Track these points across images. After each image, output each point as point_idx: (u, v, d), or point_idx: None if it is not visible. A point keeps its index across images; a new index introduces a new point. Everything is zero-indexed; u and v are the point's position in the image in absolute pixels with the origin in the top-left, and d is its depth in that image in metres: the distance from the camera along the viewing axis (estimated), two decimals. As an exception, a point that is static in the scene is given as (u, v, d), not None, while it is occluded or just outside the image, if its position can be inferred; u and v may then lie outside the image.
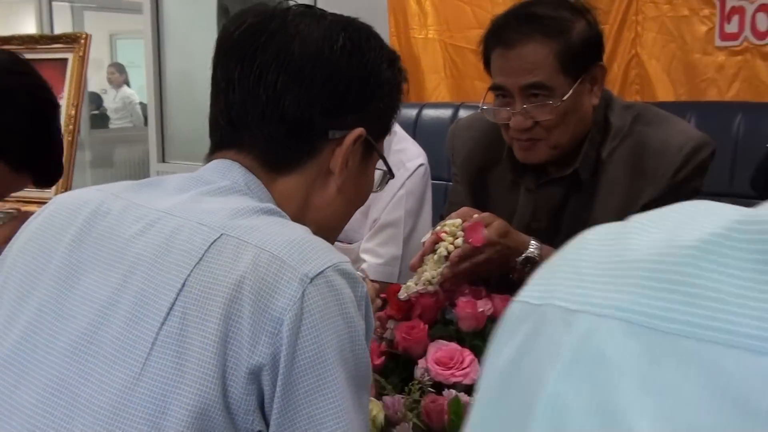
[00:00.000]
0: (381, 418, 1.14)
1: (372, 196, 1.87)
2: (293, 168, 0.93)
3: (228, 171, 0.91)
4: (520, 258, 1.41)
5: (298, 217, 0.91)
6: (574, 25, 1.45)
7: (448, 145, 1.75)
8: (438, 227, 1.39)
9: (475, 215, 1.41)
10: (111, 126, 7.10)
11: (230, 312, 0.76)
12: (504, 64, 1.45)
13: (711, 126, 2.10)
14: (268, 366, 0.75)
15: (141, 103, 6.84)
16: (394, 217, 1.85)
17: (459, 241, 1.35)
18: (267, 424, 0.78)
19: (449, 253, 1.34)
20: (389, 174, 1.07)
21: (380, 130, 0.99)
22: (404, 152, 1.89)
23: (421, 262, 1.36)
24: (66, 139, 3.30)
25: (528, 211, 1.57)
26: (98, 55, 7.51)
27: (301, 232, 0.84)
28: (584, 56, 1.45)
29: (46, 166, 1.48)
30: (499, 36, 1.46)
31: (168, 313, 0.77)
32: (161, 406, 0.75)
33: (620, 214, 1.63)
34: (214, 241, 0.79)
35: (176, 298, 0.77)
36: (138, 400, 0.75)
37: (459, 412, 1.14)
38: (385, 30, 3.98)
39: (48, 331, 0.82)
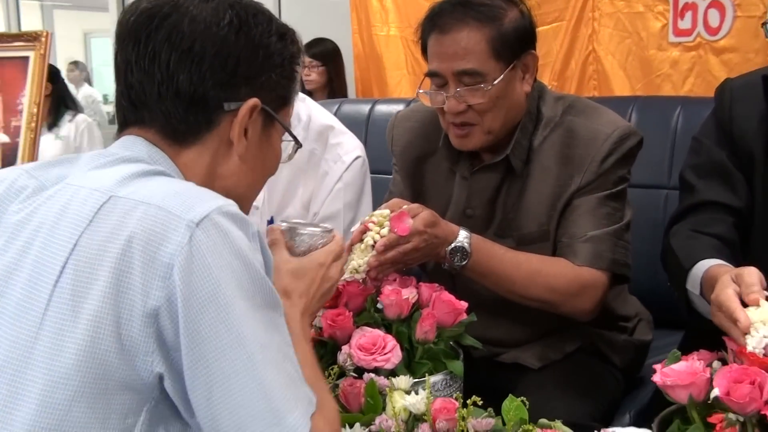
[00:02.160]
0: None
1: (312, 189, 1.94)
2: (194, 140, 0.97)
3: (132, 144, 0.96)
4: (449, 247, 1.44)
5: (206, 186, 0.95)
6: (506, 14, 1.49)
7: (388, 135, 1.78)
8: (366, 217, 1.42)
9: (404, 206, 1.43)
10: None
11: (121, 265, 0.82)
12: (439, 49, 1.49)
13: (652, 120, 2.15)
14: (164, 308, 0.82)
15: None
16: (333, 210, 1.87)
17: (385, 230, 1.38)
18: (174, 366, 0.83)
19: (375, 242, 1.37)
20: (296, 143, 1.11)
21: (278, 101, 1.03)
22: (341, 146, 1.91)
23: (348, 251, 1.38)
24: (28, 137, 3.30)
25: (463, 198, 1.60)
26: (74, 54, 7.49)
27: (187, 184, 0.91)
28: (516, 44, 1.48)
29: None
30: (435, 22, 1.50)
31: (61, 272, 0.83)
32: (57, 352, 0.81)
33: (551, 201, 1.69)
34: (104, 203, 0.86)
35: (68, 258, 0.83)
36: (39, 353, 0.82)
37: (375, 395, 1.17)
38: (347, 28, 4.01)
39: None
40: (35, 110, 2.80)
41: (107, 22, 5.16)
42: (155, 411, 0.86)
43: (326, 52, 3.99)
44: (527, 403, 1.13)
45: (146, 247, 0.83)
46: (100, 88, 8.21)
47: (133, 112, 0.98)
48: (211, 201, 0.87)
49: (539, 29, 1.59)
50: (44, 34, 2.66)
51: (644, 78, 3.30)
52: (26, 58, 2.80)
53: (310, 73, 4.07)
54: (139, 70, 0.95)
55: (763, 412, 0.95)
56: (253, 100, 0.98)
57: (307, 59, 4.11)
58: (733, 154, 1.43)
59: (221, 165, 0.99)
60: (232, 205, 0.88)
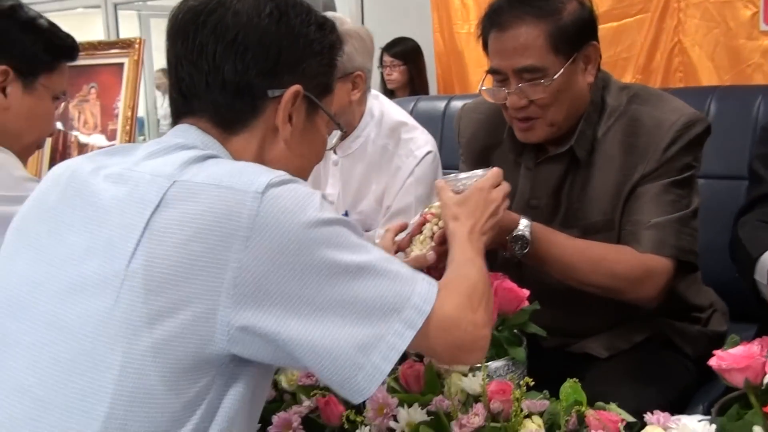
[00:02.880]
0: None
1: (385, 184, 1.99)
2: (242, 127, 1.03)
3: (185, 132, 1.03)
4: (510, 236, 1.46)
5: None
6: (565, 7, 1.50)
7: (455, 126, 1.81)
8: (426, 209, 1.45)
9: None
10: (160, 131, 7.37)
11: (195, 245, 0.88)
12: (499, 46, 1.51)
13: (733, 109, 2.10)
14: (245, 278, 0.88)
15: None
16: (405, 204, 1.92)
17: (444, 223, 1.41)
18: (265, 331, 0.89)
19: (434, 233, 1.40)
20: (340, 130, 1.17)
21: (320, 88, 1.07)
22: (413, 141, 1.97)
23: (409, 242, 1.42)
24: (123, 140, 3.49)
25: (527, 189, 1.62)
26: (164, 62, 7.81)
27: (241, 163, 0.97)
28: (576, 37, 1.49)
29: (65, 44, 1.62)
30: (494, 19, 1.53)
31: (133, 253, 0.89)
32: (133, 330, 0.88)
33: (616, 190, 1.70)
34: (169, 187, 0.92)
35: (140, 240, 0.89)
36: (114, 329, 0.88)
37: (433, 377, 1.21)
38: (429, 26, 4.05)
39: (41, 272, 0.96)
40: (129, 114, 2.96)
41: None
42: (226, 371, 0.92)
43: (407, 51, 4.05)
44: (592, 390, 1.14)
45: (219, 225, 0.88)
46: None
47: (184, 103, 1.05)
48: (267, 172, 0.93)
49: (623, 22, 1.60)
50: (138, 41, 2.82)
51: (733, 69, 3.21)
52: (121, 65, 2.97)
53: (392, 72, 4.14)
54: (188, 63, 1.01)
55: (818, 396, 0.94)
56: (296, 87, 1.03)
57: (388, 58, 4.19)
58: (804, 142, 1.40)
59: (269, 150, 1.04)
60: (285, 174, 0.95)
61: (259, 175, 0.93)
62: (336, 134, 1.18)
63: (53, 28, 1.60)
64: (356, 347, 0.92)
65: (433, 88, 4.15)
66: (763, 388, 1.03)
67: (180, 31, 1.03)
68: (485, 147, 1.72)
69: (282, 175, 0.94)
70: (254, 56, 1.00)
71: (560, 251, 1.49)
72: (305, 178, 1.13)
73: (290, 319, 0.90)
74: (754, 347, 1.06)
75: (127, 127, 3.55)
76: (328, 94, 1.10)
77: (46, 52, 1.56)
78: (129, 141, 3.79)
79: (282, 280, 0.89)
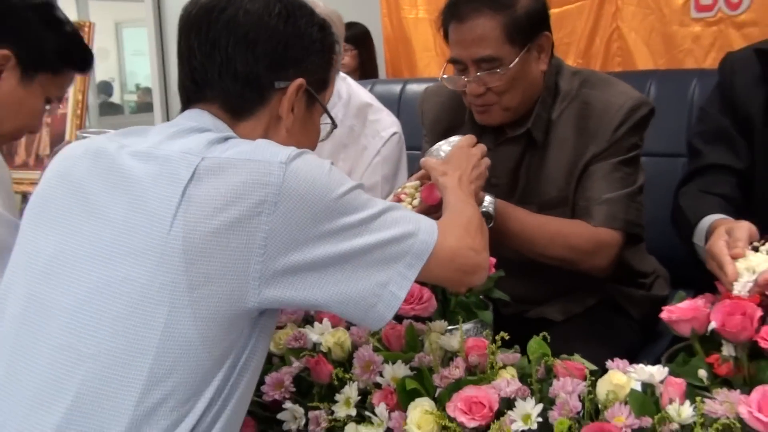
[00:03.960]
0: (348, 343, 1.32)
1: (352, 163, 2.09)
2: (250, 114, 1.13)
3: (198, 117, 1.12)
4: None
5: None
6: (519, 0, 1.61)
7: (418, 109, 1.92)
8: (399, 189, 1.56)
9: None
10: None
11: (230, 213, 0.97)
12: (458, 37, 1.63)
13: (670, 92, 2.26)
14: (275, 240, 0.98)
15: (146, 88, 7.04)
16: (371, 182, 2.03)
17: (416, 201, 1.52)
18: (290, 285, 1.01)
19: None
20: (333, 124, 1.28)
21: (319, 83, 1.18)
22: (379, 122, 2.07)
23: None
24: (74, 123, 3.48)
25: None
26: (104, 44, 7.69)
27: (261, 140, 1.07)
28: (529, 28, 1.61)
29: (79, 55, 1.62)
30: (453, 11, 1.64)
31: (172, 222, 0.98)
32: (173, 292, 0.97)
33: (569, 169, 1.85)
34: (199, 162, 1.01)
35: (177, 210, 0.98)
36: (156, 291, 0.97)
37: (413, 337, 1.32)
38: (377, 11, 4.14)
39: (77, 243, 1.04)
40: (80, 97, 2.97)
41: (140, 12, 5.32)
42: (252, 326, 1.03)
43: (358, 36, 4.13)
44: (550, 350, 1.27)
45: (248, 193, 0.98)
46: (131, 78, 8.38)
47: (195, 90, 1.14)
48: (286, 147, 1.04)
49: (564, 8, 1.72)
50: (87, 24, 2.83)
51: (667, 53, 3.39)
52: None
53: (343, 56, 4.21)
54: (202, 54, 1.11)
55: (754, 339, 1.09)
56: (300, 80, 1.13)
57: (339, 43, 4.26)
58: (735, 120, 1.57)
59: (272, 137, 1.13)
60: (296, 148, 1.05)
61: (279, 148, 1.03)
62: (327, 128, 1.28)
63: (75, 36, 1.60)
64: (375, 284, 1.05)
65: (381, 72, 4.25)
66: (707, 334, 1.18)
67: (193, 25, 1.12)
68: (448, 129, 1.82)
69: (296, 149, 1.04)
70: (264, 51, 1.10)
71: (521, 226, 1.62)
72: None
73: (314, 272, 1.02)
74: (699, 301, 1.21)
75: (78, 111, 3.55)
76: (325, 89, 1.21)
77: (57, 55, 1.55)
78: (79, 125, 3.79)
79: (307, 241, 1.00)
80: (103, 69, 7.19)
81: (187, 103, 1.15)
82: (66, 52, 1.57)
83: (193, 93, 1.14)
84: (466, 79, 1.63)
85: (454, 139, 1.49)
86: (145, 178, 1.03)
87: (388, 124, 2.09)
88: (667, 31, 3.38)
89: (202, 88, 1.13)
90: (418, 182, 1.55)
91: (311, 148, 1.23)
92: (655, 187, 1.93)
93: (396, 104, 2.71)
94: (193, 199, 0.99)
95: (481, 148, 1.45)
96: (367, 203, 1.07)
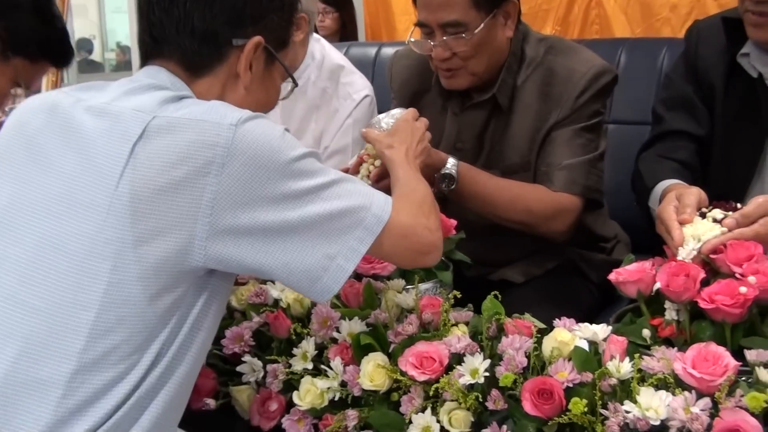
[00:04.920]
0: (307, 299, 1.35)
1: (324, 124, 2.11)
2: (207, 71, 1.14)
3: (156, 73, 1.13)
4: (438, 174, 1.61)
5: None
6: None
7: (387, 73, 1.93)
8: (362, 151, 1.58)
9: None
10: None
11: (177, 171, 0.99)
12: (425, 1, 1.63)
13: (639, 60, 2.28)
14: (223, 201, 0.99)
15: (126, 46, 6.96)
16: (342, 144, 2.05)
17: (379, 162, 1.53)
18: (237, 246, 1.02)
19: (370, 173, 1.53)
20: (294, 83, 1.28)
21: (279, 42, 1.18)
22: (351, 84, 2.08)
23: None
24: (50, 79, 3.45)
25: (454, 132, 1.77)
26: (83, 1, 7.58)
27: (214, 101, 1.08)
28: None
29: (59, 51, 1.63)
30: None
31: (119, 178, 1.00)
32: (120, 246, 0.99)
33: (532, 134, 1.88)
34: (150, 121, 1.02)
35: (125, 166, 1.00)
36: (102, 245, 0.99)
37: (371, 294, 1.36)
38: (358, -27, 4.12)
39: (29, 194, 1.05)
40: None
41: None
42: (198, 283, 1.05)
43: (339, -2, 4.11)
44: (510, 311, 1.30)
45: (197, 153, 0.99)
46: (112, 36, 8.28)
47: (154, 46, 1.14)
48: (238, 110, 1.05)
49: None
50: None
51: (644, 22, 3.40)
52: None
53: (324, 18, 4.19)
54: (160, 9, 1.11)
55: (695, 299, 1.13)
56: (258, 38, 1.14)
57: (320, 5, 4.23)
58: (698, 88, 1.59)
59: (229, 94, 1.15)
60: (250, 111, 1.06)
61: (231, 110, 1.04)
62: (289, 86, 1.28)
63: (62, 32, 1.61)
64: (323, 256, 1.06)
65: (361, 35, 4.24)
66: (652, 295, 1.21)
67: None
68: (416, 92, 1.84)
69: (249, 111, 1.05)
70: (222, 7, 1.11)
71: (482, 189, 1.64)
72: None
73: (262, 236, 1.02)
74: (647, 264, 1.25)
75: (53, 78, 3.53)
76: (284, 47, 1.21)
77: (39, 45, 1.55)
78: (56, 84, 3.76)
79: (255, 203, 1.01)
80: (82, 25, 7.08)
81: (145, 59, 1.16)
82: (48, 43, 1.58)
83: (151, 49, 1.15)
84: (432, 43, 1.64)
85: (396, 111, 1.49)
86: (96, 133, 1.04)
87: (360, 86, 2.10)
88: (645, 0, 3.39)
89: (159, 44, 1.13)
90: None
91: (271, 106, 1.24)
92: (623, 155, 1.95)
93: (371, 67, 2.71)
94: (141, 157, 1.00)
95: (424, 121, 1.46)
96: (321, 171, 1.07)
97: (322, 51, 2.14)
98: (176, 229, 0.99)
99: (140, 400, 1.01)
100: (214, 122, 1.01)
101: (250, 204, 1.01)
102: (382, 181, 1.53)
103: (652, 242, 1.68)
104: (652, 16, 3.38)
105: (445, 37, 1.62)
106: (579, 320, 1.60)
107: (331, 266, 1.06)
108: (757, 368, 1.02)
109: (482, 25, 1.61)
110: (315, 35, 2.18)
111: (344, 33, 4.12)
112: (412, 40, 1.71)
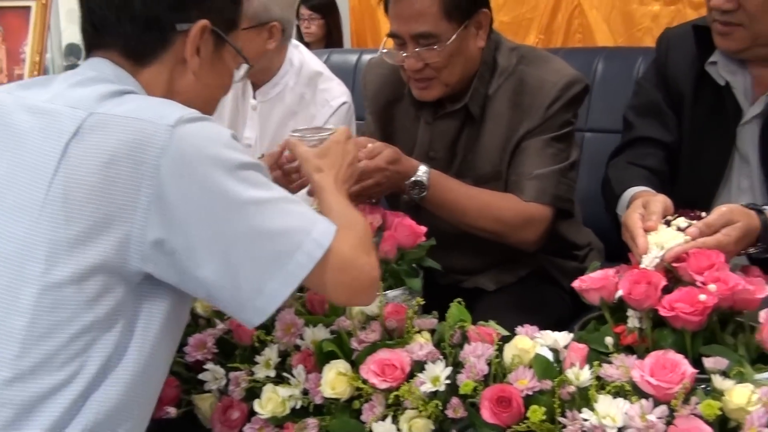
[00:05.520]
0: (272, 306, 1.34)
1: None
2: (152, 59, 1.10)
3: (99, 66, 1.09)
4: (409, 181, 1.60)
5: None
6: None
7: (362, 81, 1.93)
8: None
9: (369, 144, 1.59)
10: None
11: (110, 172, 0.96)
12: (396, 12, 1.63)
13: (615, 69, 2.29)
14: (156, 204, 0.96)
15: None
16: None
17: None
18: (171, 258, 0.98)
19: None
20: (247, 63, 1.24)
21: (227, 23, 1.15)
22: (329, 91, 2.08)
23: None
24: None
25: (426, 141, 1.76)
26: (74, 5, 7.57)
27: (154, 98, 1.05)
28: (467, 4, 1.62)
29: None
30: None
31: (53, 177, 0.97)
32: (53, 246, 0.96)
33: (503, 144, 1.88)
34: (86, 118, 0.99)
35: (58, 165, 0.97)
36: (37, 246, 0.97)
37: (337, 302, 1.35)
38: (343, -20, 4.13)
39: None
40: (37, 59, 2.92)
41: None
42: (139, 290, 1.01)
43: (324, 5, 4.11)
44: (482, 319, 1.29)
45: (131, 153, 0.96)
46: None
47: (95, 35, 1.10)
48: (179, 108, 1.02)
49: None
50: (57, -15, 2.78)
51: (626, 32, 3.43)
52: (28, 8, 2.90)
53: (310, 25, 4.19)
54: None
55: (656, 307, 1.12)
56: (203, 22, 1.10)
57: (306, 11, 4.24)
58: (668, 95, 1.60)
59: (178, 81, 1.11)
60: (197, 112, 1.03)
61: (172, 110, 1.01)
62: (243, 68, 1.24)
63: None
64: (258, 274, 1.00)
65: (347, 42, 4.24)
66: (614, 303, 1.21)
67: None
68: (389, 101, 1.83)
69: (194, 112, 1.02)
70: None
71: (452, 196, 1.64)
72: (213, 107, 1.21)
73: (196, 246, 0.98)
74: (610, 271, 1.24)
75: (35, 72, 3.49)
76: (234, 29, 1.17)
77: None
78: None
79: (190, 210, 0.97)
80: (72, 32, 7.06)
81: (89, 49, 1.13)
82: None
83: (92, 38, 1.11)
84: (404, 54, 1.64)
85: (325, 133, 1.41)
86: (32, 132, 1.02)
87: (338, 93, 2.09)
88: (627, 10, 3.42)
89: (100, 33, 1.10)
90: None
91: (224, 91, 1.21)
92: (600, 163, 1.95)
93: (352, 74, 2.71)
94: (74, 156, 0.97)
95: (357, 143, 1.40)
96: (264, 185, 1.03)
97: (300, 57, 2.14)
98: (111, 231, 0.97)
99: (85, 410, 0.98)
100: (150, 122, 0.98)
101: (186, 211, 0.97)
102: (354, 187, 1.52)
103: (626, 250, 1.69)
104: (634, 26, 3.41)
105: (417, 49, 1.61)
106: (550, 328, 1.60)
107: (265, 289, 1.00)
108: (713, 376, 1.02)
109: (454, 36, 1.60)
110: (294, 41, 2.18)
111: (330, 40, 4.13)
112: (385, 50, 1.70)
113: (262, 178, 1.04)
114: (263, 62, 2.01)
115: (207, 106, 1.17)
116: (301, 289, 1.34)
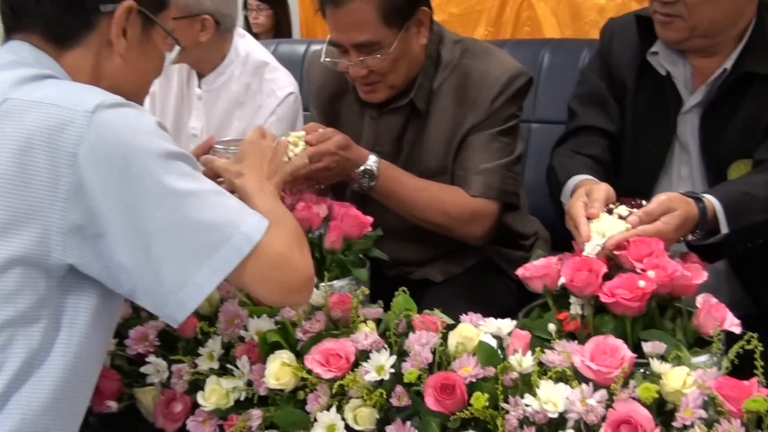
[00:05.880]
0: (216, 297, 1.32)
1: (248, 121, 2.07)
2: (76, 42, 1.05)
3: (18, 49, 1.05)
4: (359, 169, 1.59)
5: (93, 86, 1.04)
6: None
7: (305, 74, 1.91)
8: (283, 138, 1.55)
9: (320, 129, 1.58)
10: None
11: (26, 160, 0.92)
12: (335, 22, 1.60)
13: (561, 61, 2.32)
14: (75, 194, 0.92)
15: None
16: None
17: (299, 149, 1.52)
18: (92, 248, 0.95)
19: (290, 159, 1.51)
20: (178, 44, 1.20)
21: (156, 4, 1.11)
22: (275, 81, 2.06)
23: None
24: None
25: (372, 136, 1.75)
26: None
27: (74, 83, 1.01)
28: (405, 6, 1.59)
29: None
30: None
31: None
32: None
33: (448, 138, 1.88)
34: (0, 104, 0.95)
35: None
36: None
37: (281, 292, 1.33)
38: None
39: None
40: None
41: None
42: (63, 284, 0.97)
43: (273, -5, 4.07)
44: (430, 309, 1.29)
45: (48, 141, 0.92)
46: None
47: (13, 18, 1.06)
48: (99, 93, 0.98)
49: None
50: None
51: (573, 24, 3.47)
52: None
53: (258, 16, 4.15)
54: None
55: (596, 293, 1.14)
56: (128, 2, 1.06)
57: (254, 2, 4.19)
58: (611, 84, 1.62)
59: (105, 65, 1.07)
60: (119, 98, 0.99)
61: (91, 96, 0.97)
62: (175, 50, 1.20)
63: None
64: (182, 268, 0.96)
65: (296, 32, 4.21)
66: (557, 291, 1.22)
67: None
68: (333, 95, 1.81)
69: (115, 98, 0.98)
70: None
71: (401, 188, 1.63)
72: (144, 91, 1.17)
73: (118, 237, 0.95)
74: (553, 259, 1.25)
75: None
76: (163, 9, 1.13)
77: None
78: None
79: (111, 200, 0.94)
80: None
81: (8, 32, 1.08)
82: None
83: (11, 21, 1.07)
84: (348, 63, 1.62)
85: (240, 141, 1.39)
86: None
87: (284, 83, 2.07)
88: (575, 3, 3.46)
89: (19, 15, 1.05)
90: (303, 132, 1.55)
91: (155, 73, 1.17)
92: (545, 154, 1.96)
93: (300, 65, 2.69)
94: None
95: (272, 137, 1.38)
96: (191, 176, 0.98)
97: (246, 47, 2.12)
98: (31, 222, 0.93)
99: (7, 411, 0.94)
100: (67, 108, 0.94)
101: (106, 200, 0.93)
102: (303, 169, 1.51)
103: (572, 238, 1.71)
104: (581, 18, 3.45)
105: (361, 58, 1.60)
106: (497, 317, 1.62)
107: (188, 283, 0.96)
108: (652, 360, 1.04)
109: (396, 41, 1.58)
110: (240, 30, 2.15)
111: (278, 30, 4.09)
112: (327, 60, 1.68)
113: (188, 168, 1.00)
114: (201, 53, 1.99)
115: (137, 90, 1.13)
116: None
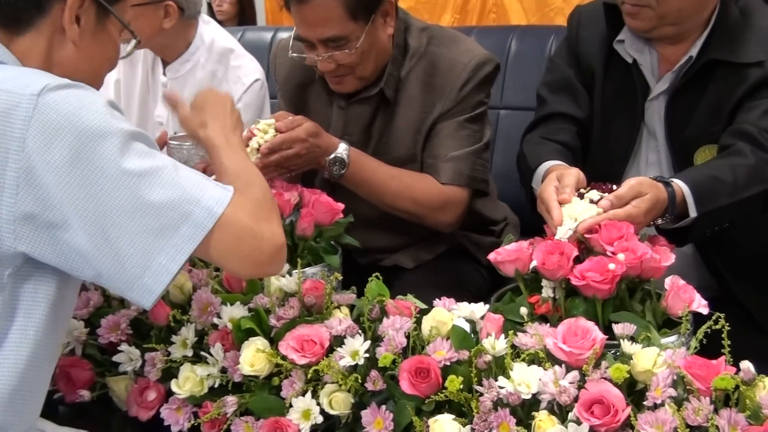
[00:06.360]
0: (188, 285, 1.32)
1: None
2: (27, 27, 1.02)
3: None
4: (329, 157, 1.59)
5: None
6: None
7: (271, 64, 1.89)
8: (252, 126, 1.55)
9: (290, 116, 1.58)
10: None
11: None
12: (301, 17, 1.59)
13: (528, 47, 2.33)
14: (24, 179, 0.90)
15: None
16: None
17: (269, 136, 1.51)
18: (48, 233, 0.92)
19: (260, 146, 1.51)
20: (134, 37, 1.16)
21: None
22: (241, 68, 2.04)
23: None
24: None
25: (340, 125, 1.75)
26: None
27: (20, 68, 0.98)
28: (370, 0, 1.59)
29: None
30: None
31: None
32: None
33: (417, 126, 1.88)
34: None
35: None
36: None
37: (254, 280, 1.33)
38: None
39: None
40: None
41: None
42: (19, 273, 0.95)
43: (238, -18, 4.03)
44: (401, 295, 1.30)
45: None
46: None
47: None
48: (47, 76, 0.96)
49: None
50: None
51: (539, 11, 3.50)
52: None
53: (222, 3, 4.11)
54: None
55: (568, 276, 1.15)
56: None
57: (218, -11, 4.15)
58: (579, 71, 1.64)
59: (57, 52, 1.04)
60: (67, 80, 0.97)
61: (37, 79, 0.94)
62: (132, 43, 1.17)
63: None
64: (143, 250, 0.93)
65: (261, 19, 4.18)
66: (529, 274, 1.24)
67: None
68: (300, 84, 1.80)
69: (62, 80, 0.95)
70: None
71: (371, 175, 1.64)
72: (98, 82, 1.14)
73: (73, 222, 0.92)
74: (524, 243, 1.27)
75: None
76: (121, 0, 1.10)
77: None
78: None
79: (63, 183, 0.91)
80: None
81: None
82: None
83: None
84: (316, 58, 1.61)
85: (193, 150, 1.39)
86: None
87: (250, 70, 2.06)
88: (540, -11, 3.48)
89: None
90: (272, 120, 1.55)
91: (108, 64, 1.14)
92: (514, 140, 1.98)
93: (266, 52, 2.67)
94: None
95: (276, 116, 1.37)
96: (147, 154, 0.95)
97: (211, 34, 2.10)
98: None
99: None
100: (14, 92, 0.92)
101: (59, 184, 0.91)
102: (273, 155, 1.51)
103: (541, 223, 1.73)
104: (546, 5, 3.48)
105: (327, 53, 1.59)
106: (469, 302, 1.63)
107: (152, 265, 0.94)
108: (622, 341, 1.06)
109: (363, 34, 1.58)
110: (205, 17, 2.13)
111: (243, 18, 4.05)
112: (295, 55, 1.66)
113: (143, 146, 0.97)
114: (165, 39, 1.97)
115: (90, 79, 1.09)
116: (219, 267, 1.34)
